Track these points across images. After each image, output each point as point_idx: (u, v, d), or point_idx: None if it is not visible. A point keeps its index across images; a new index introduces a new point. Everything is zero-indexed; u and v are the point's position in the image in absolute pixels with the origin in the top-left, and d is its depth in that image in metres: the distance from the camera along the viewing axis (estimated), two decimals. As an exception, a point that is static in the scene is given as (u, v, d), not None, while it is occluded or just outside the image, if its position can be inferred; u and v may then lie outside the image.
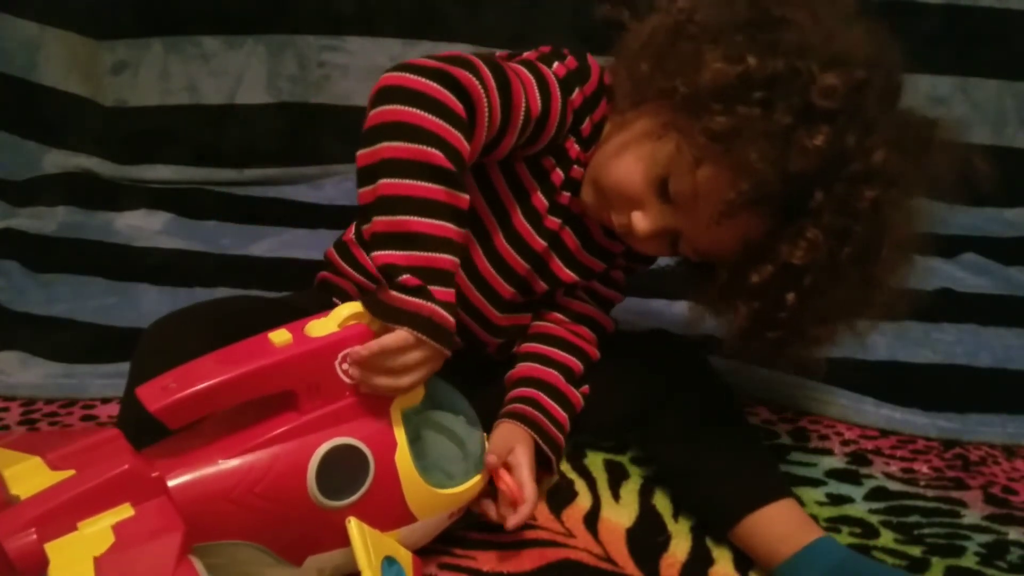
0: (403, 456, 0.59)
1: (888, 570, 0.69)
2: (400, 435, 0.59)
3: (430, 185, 0.58)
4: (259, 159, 1.36)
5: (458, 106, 0.61)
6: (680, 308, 1.10)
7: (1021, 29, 1.43)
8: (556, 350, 0.79)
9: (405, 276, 0.57)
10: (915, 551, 0.74)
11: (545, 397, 0.75)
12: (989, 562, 0.73)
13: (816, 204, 0.61)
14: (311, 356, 0.56)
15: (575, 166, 0.72)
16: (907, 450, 0.88)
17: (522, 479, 0.67)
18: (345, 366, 0.57)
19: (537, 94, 0.67)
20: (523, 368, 0.78)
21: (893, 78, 0.66)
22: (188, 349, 0.57)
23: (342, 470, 0.57)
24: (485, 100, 0.62)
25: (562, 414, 0.75)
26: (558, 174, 0.72)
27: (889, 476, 0.83)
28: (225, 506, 0.54)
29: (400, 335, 0.57)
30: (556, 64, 0.70)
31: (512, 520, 0.67)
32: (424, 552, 0.65)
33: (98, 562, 0.46)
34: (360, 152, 0.60)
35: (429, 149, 0.59)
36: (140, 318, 0.99)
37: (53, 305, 1.01)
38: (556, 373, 0.77)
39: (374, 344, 0.57)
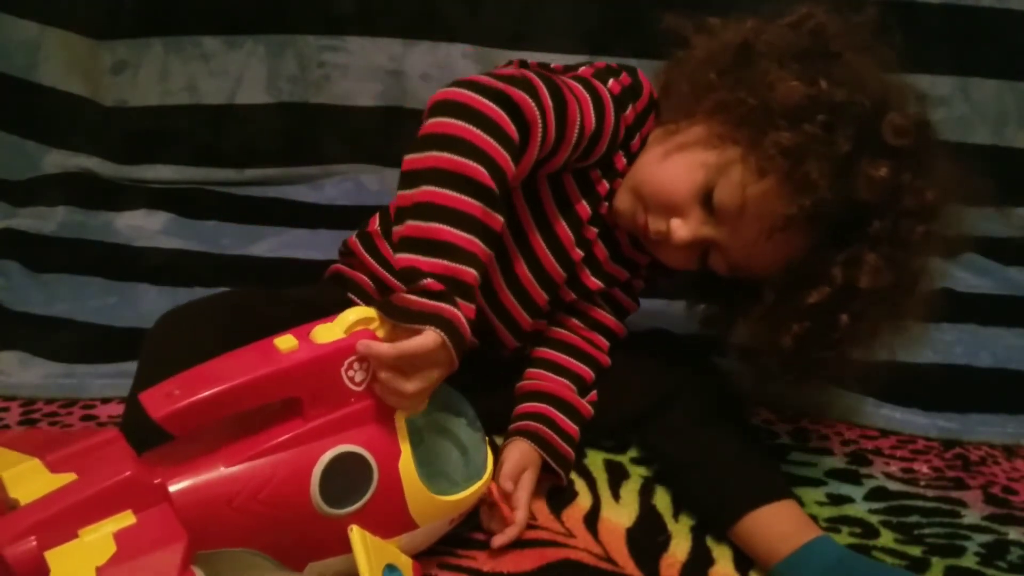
0: (407, 464, 0.59)
1: (886, 568, 0.69)
2: (404, 443, 0.59)
3: (469, 200, 0.59)
4: (259, 159, 1.35)
5: (511, 128, 0.62)
6: (680, 308, 1.11)
7: (1021, 29, 1.43)
8: (569, 358, 0.80)
9: (428, 280, 0.57)
10: (915, 551, 0.74)
11: (557, 412, 0.76)
12: (989, 562, 0.73)
13: (874, 232, 0.64)
14: (317, 363, 0.55)
15: (620, 179, 0.73)
16: (907, 450, 0.88)
17: (519, 503, 0.69)
18: (351, 373, 0.57)
19: (592, 112, 0.68)
20: (535, 380, 0.78)
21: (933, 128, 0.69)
22: (197, 343, 0.57)
23: (345, 478, 0.57)
24: (540, 122, 0.63)
25: (573, 427, 0.76)
26: (604, 186, 0.73)
27: (889, 476, 0.83)
28: (227, 513, 0.53)
29: (429, 337, 0.56)
30: (611, 81, 0.71)
31: (498, 540, 0.68)
32: (424, 552, 0.65)
33: (100, 573, 0.46)
34: (408, 157, 0.61)
35: (475, 165, 0.60)
36: (140, 318, 0.99)
37: (53, 305, 1.01)
38: (568, 383, 0.78)
39: (403, 345, 0.56)
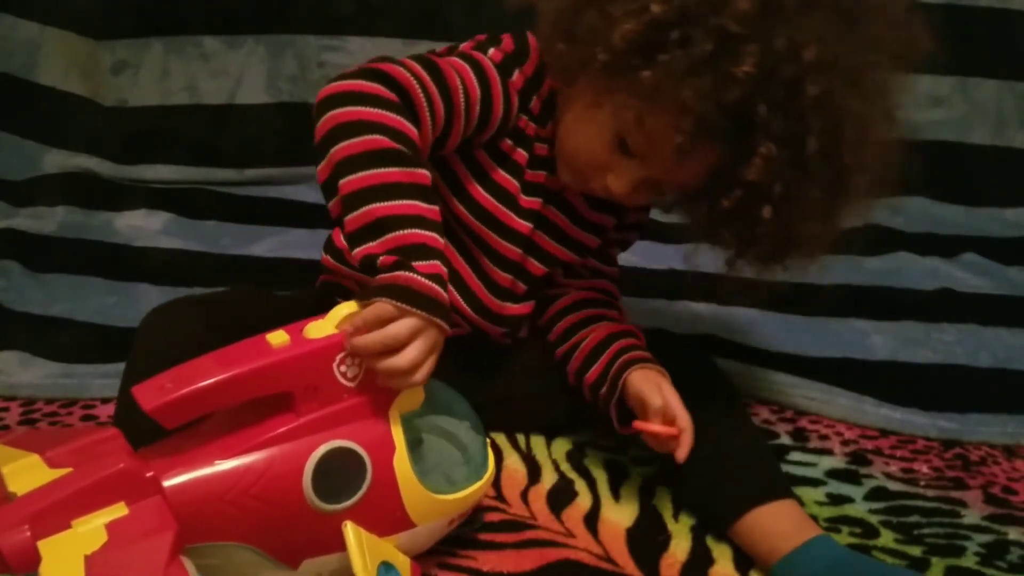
0: (402, 460, 0.59)
1: (887, 567, 0.69)
2: (399, 439, 0.59)
3: (383, 170, 0.59)
4: (259, 159, 1.36)
5: (390, 95, 0.62)
6: (680, 308, 1.11)
7: (1021, 29, 1.43)
8: (595, 309, 0.81)
9: (382, 259, 0.58)
10: (915, 551, 0.74)
11: (630, 340, 0.77)
12: (989, 562, 0.73)
13: (762, 118, 0.61)
14: (308, 358, 0.56)
15: (536, 144, 0.73)
16: (907, 450, 0.88)
17: (676, 409, 0.69)
18: (343, 368, 0.57)
19: (474, 79, 0.68)
20: (597, 331, 0.78)
21: None
22: (186, 339, 0.57)
23: (339, 473, 0.57)
24: (418, 86, 0.64)
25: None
26: (520, 154, 0.73)
27: (889, 476, 0.83)
28: (220, 507, 0.53)
29: (377, 306, 0.56)
30: (492, 50, 0.72)
31: (681, 452, 0.68)
32: (424, 552, 0.65)
33: (89, 560, 0.46)
34: (318, 169, 0.62)
35: (372, 136, 0.60)
36: (140, 318, 0.99)
37: (53, 305, 1.01)
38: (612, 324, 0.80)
39: (357, 318, 0.56)
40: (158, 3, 1.33)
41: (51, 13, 1.32)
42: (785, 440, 0.88)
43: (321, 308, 0.59)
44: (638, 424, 0.69)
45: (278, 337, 0.56)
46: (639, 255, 1.23)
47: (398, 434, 0.59)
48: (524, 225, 0.75)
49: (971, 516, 0.79)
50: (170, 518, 0.50)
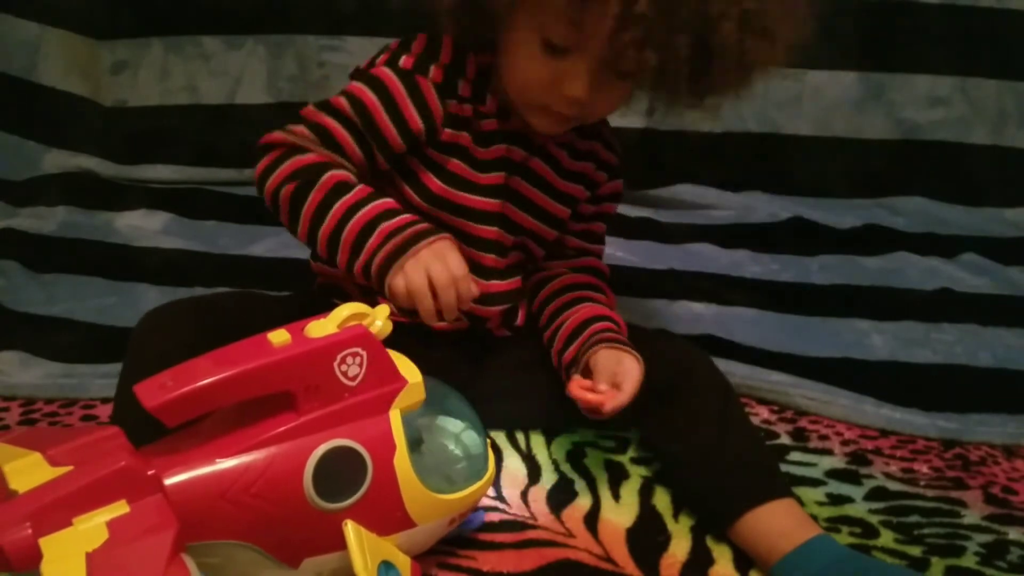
0: (402, 459, 0.59)
1: (887, 567, 0.69)
2: (400, 438, 0.59)
3: (344, 201, 0.68)
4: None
5: (313, 141, 0.73)
6: (680, 308, 1.11)
7: (1021, 29, 1.43)
8: (579, 292, 0.83)
9: (376, 262, 0.66)
10: (915, 551, 0.74)
11: (610, 324, 0.78)
12: (989, 562, 0.73)
13: None
14: (310, 357, 0.56)
15: (482, 122, 0.75)
16: (907, 450, 0.88)
17: (621, 381, 0.71)
18: (344, 367, 0.57)
19: (375, 98, 0.73)
20: (577, 314, 0.80)
21: None
22: (181, 341, 0.58)
23: (339, 472, 0.57)
24: (335, 122, 0.72)
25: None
26: (464, 137, 0.75)
27: (889, 476, 0.83)
28: (221, 505, 0.53)
29: (392, 287, 0.65)
30: (403, 57, 0.74)
31: (607, 407, 0.69)
32: (424, 552, 0.65)
33: (90, 558, 0.46)
34: (297, 235, 0.71)
35: (324, 182, 0.69)
36: (140, 318, 0.99)
37: (53, 305, 1.01)
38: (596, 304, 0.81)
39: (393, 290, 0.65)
40: (158, 3, 1.33)
41: (51, 13, 1.32)
42: (785, 440, 0.88)
43: (319, 310, 0.60)
44: (570, 389, 0.71)
45: (279, 336, 0.56)
46: (639, 255, 1.24)
47: (399, 433, 0.59)
48: (491, 203, 0.77)
49: (971, 516, 0.79)
50: (171, 516, 0.50)
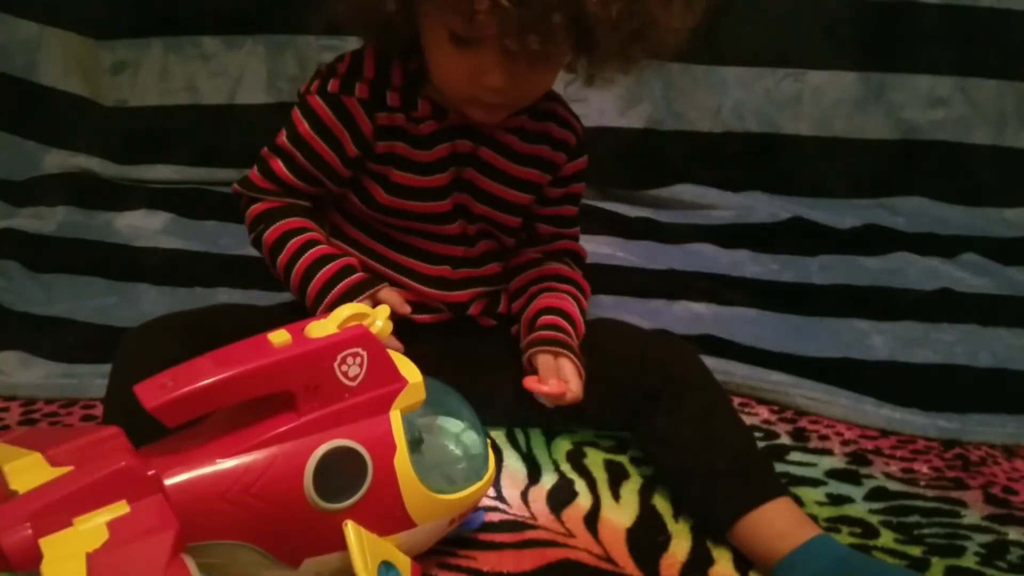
0: (402, 460, 0.59)
1: (887, 567, 0.69)
2: (400, 438, 0.59)
3: (311, 254, 0.75)
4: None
5: (273, 192, 0.78)
6: (680, 308, 1.11)
7: (1021, 29, 1.43)
8: (545, 283, 0.83)
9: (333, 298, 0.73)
10: (915, 551, 0.74)
11: (564, 322, 0.79)
12: (989, 562, 0.73)
13: None
14: (310, 357, 0.56)
15: (419, 125, 0.75)
16: (907, 450, 0.88)
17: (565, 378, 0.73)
18: (344, 368, 0.57)
19: (310, 128, 0.76)
20: (530, 308, 0.81)
21: None
22: (161, 361, 0.56)
23: (340, 472, 0.57)
24: (280, 163, 0.77)
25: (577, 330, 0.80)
26: (399, 146, 0.75)
27: (889, 476, 0.83)
28: (221, 506, 0.53)
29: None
30: (331, 81, 0.75)
31: (568, 396, 0.72)
32: (424, 552, 0.65)
33: (90, 558, 0.46)
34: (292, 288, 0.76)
35: (295, 247, 0.76)
36: (140, 318, 0.98)
37: (53, 305, 1.01)
38: (568, 298, 0.82)
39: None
40: (158, 3, 1.33)
41: (51, 13, 1.32)
42: (785, 440, 0.88)
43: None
44: (525, 383, 0.73)
45: (279, 336, 0.56)
46: (639, 255, 1.24)
47: (399, 433, 0.59)
48: (442, 204, 0.78)
49: (971, 516, 0.79)
50: (171, 516, 0.50)
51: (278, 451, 0.55)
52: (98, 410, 0.85)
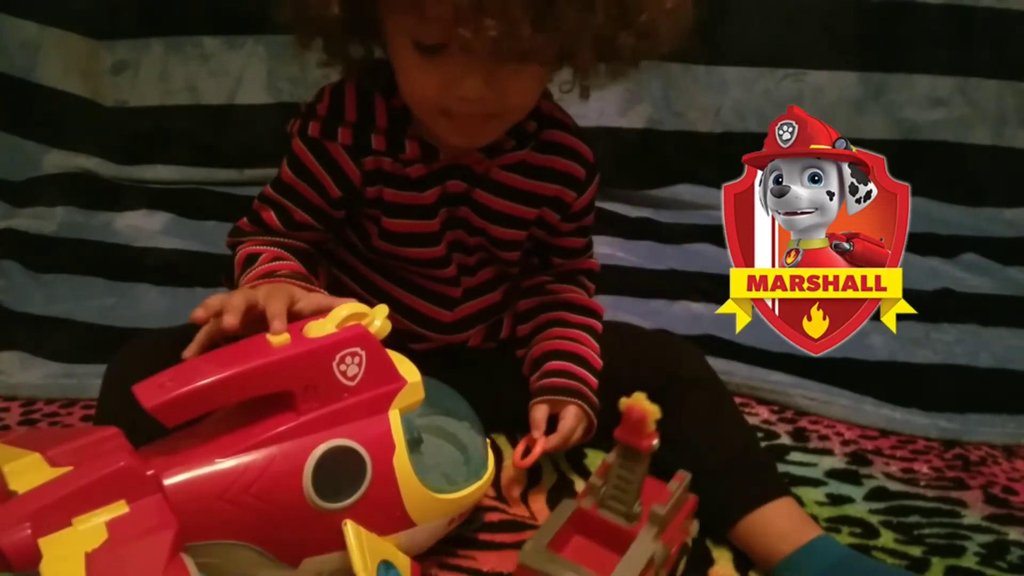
0: (401, 459, 0.59)
1: (886, 568, 0.69)
2: (399, 438, 0.59)
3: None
4: (259, 159, 1.35)
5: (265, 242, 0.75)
6: (680, 308, 1.11)
7: (1021, 29, 1.43)
8: (552, 313, 0.80)
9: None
10: (915, 551, 0.73)
11: (575, 367, 0.76)
12: (989, 562, 0.73)
13: None
14: (308, 357, 0.55)
15: (409, 168, 0.71)
16: (907, 450, 0.88)
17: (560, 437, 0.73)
18: (343, 367, 0.57)
19: (295, 176, 0.73)
20: (535, 348, 0.79)
21: None
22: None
23: (339, 472, 0.56)
24: (272, 214, 0.74)
25: (592, 379, 0.77)
26: (389, 192, 0.72)
27: (889, 476, 0.83)
28: (220, 505, 0.53)
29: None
30: (311, 124, 0.72)
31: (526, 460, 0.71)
32: (424, 552, 0.65)
33: (89, 558, 0.46)
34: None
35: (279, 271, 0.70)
36: (140, 318, 0.99)
37: (53, 305, 1.01)
38: (578, 336, 0.79)
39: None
40: (158, 3, 1.33)
41: (51, 13, 1.32)
42: (785, 440, 0.88)
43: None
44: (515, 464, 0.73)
45: (278, 336, 0.56)
46: (639, 255, 1.24)
47: (398, 433, 0.59)
48: (437, 250, 0.74)
49: (971, 516, 0.79)
50: (171, 516, 0.50)
51: (277, 451, 0.55)
52: (98, 410, 0.85)
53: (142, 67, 1.34)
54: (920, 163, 1.46)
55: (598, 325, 0.81)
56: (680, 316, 1.09)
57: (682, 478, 0.67)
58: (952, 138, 1.46)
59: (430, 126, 0.69)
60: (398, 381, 0.59)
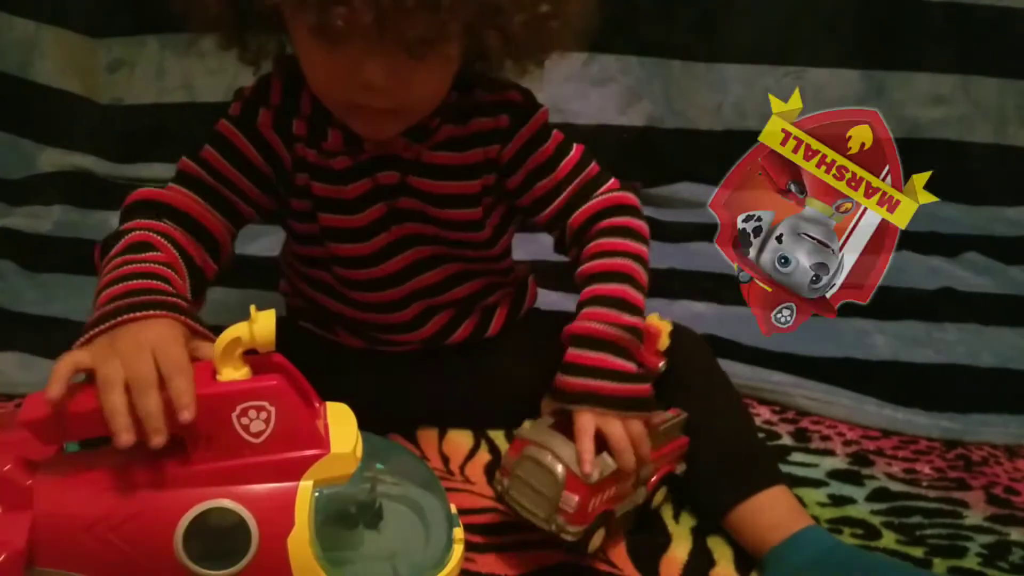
0: (299, 540, 0.50)
1: (876, 558, 0.69)
2: (302, 514, 0.51)
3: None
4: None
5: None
6: (680, 308, 1.11)
7: (1022, 27, 1.43)
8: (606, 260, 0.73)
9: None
10: (917, 552, 0.73)
11: (591, 329, 0.69)
12: (991, 563, 0.72)
13: None
14: (204, 402, 0.49)
15: (334, 159, 0.70)
16: (909, 451, 0.87)
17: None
18: (246, 421, 0.50)
19: (217, 154, 0.71)
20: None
21: None
22: None
23: (217, 537, 0.50)
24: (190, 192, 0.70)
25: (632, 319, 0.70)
26: (317, 186, 0.70)
27: (891, 477, 0.83)
28: (85, 538, 0.49)
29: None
30: (233, 105, 0.72)
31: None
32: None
33: None
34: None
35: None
36: (137, 318, 0.99)
37: (50, 305, 1.01)
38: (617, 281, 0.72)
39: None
40: (154, 1, 1.33)
41: (47, 11, 1.32)
42: (787, 441, 0.87)
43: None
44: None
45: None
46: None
47: (302, 508, 0.51)
48: (379, 241, 0.72)
49: (973, 517, 0.78)
50: (23, 535, 0.47)
51: (156, 497, 0.50)
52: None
53: (138, 65, 1.33)
54: (921, 161, 1.46)
55: (633, 246, 0.74)
56: (681, 315, 1.07)
57: (678, 412, 0.70)
58: (954, 136, 1.45)
59: (340, 117, 0.67)
60: (319, 447, 0.51)
